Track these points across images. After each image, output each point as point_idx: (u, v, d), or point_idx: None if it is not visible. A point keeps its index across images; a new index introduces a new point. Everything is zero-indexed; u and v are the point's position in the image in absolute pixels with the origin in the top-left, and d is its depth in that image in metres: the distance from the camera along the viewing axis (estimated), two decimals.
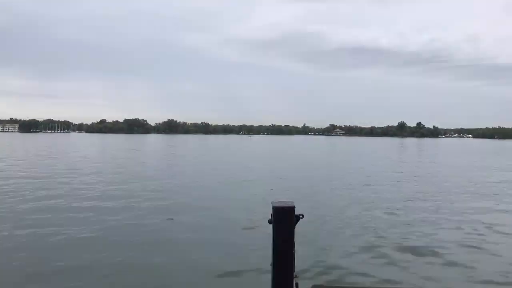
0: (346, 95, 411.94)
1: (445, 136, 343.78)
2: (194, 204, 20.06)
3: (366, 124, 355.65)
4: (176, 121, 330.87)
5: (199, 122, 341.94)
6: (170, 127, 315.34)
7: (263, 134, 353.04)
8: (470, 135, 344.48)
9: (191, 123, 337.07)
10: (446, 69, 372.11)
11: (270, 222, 2.71)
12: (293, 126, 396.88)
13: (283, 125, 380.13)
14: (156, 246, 12.56)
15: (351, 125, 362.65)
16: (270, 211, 2.68)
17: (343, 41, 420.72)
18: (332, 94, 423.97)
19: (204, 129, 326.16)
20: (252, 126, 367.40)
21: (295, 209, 2.69)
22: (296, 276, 2.74)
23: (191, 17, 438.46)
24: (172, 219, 16.38)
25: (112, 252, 11.99)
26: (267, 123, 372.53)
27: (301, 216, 2.71)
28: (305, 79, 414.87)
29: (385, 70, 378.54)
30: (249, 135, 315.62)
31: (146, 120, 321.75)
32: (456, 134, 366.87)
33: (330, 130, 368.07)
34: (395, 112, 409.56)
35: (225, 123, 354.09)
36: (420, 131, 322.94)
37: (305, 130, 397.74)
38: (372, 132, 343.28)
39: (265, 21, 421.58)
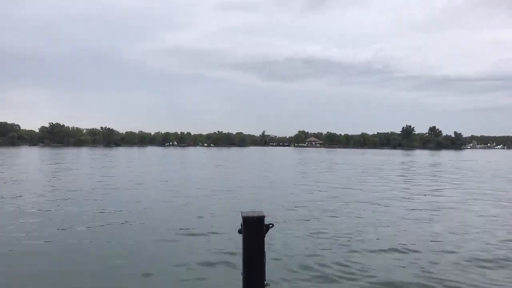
0: (302, 105, 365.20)
1: (468, 147, 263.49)
2: None
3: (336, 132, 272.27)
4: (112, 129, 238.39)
5: (136, 131, 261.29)
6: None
7: (205, 145, 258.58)
8: (500, 146, 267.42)
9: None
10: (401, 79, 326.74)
11: (240, 231, 2.77)
12: (248, 135, 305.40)
13: (234, 133, 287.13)
14: None
15: (330, 132, 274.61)
16: (240, 220, 2.73)
17: (292, 52, 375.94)
18: (287, 104, 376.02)
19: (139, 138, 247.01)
20: (189, 134, 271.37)
21: (264, 218, 2.74)
22: (267, 284, 2.81)
23: (129, 24, 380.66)
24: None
25: None
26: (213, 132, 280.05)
27: (271, 225, 2.79)
28: (256, 89, 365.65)
29: (339, 80, 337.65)
30: (178, 146, 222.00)
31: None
32: (480, 144, 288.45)
33: (301, 140, 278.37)
34: (358, 122, 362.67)
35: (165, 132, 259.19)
36: (435, 140, 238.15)
37: (265, 140, 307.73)
38: (364, 141, 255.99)
39: (206, 31, 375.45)
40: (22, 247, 13.44)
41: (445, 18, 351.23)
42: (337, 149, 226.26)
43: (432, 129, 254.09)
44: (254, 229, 2.75)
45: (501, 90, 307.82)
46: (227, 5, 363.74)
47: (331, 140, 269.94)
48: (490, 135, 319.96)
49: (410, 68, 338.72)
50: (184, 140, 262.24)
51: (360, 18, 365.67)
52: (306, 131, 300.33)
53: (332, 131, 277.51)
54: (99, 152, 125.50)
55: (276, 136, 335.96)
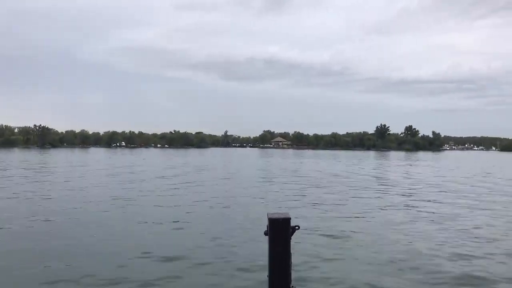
0: (265, 105, 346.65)
1: (446, 148, 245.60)
2: None
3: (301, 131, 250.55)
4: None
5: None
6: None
7: (158, 146, 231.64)
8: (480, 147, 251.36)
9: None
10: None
11: (266, 233, 2.76)
12: (209, 135, 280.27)
13: (193, 132, 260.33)
14: None
15: (298, 131, 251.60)
16: (266, 222, 2.71)
17: (252, 52, 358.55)
18: (250, 104, 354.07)
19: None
20: (141, 133, 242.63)
21: (290, 220, 2.74)
22: (293, 287, 2.78)
23: (85, 21, 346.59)
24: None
25: None
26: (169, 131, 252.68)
27: (296, 227, 2.78)
28: (217, 89, 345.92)
29: (299, 82, 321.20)
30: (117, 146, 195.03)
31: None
32: (457, 146, 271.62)
33: (267, 140, 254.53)
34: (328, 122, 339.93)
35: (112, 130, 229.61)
36: (412, 140, 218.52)
37: (227, 140, 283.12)
38: (335, 141, 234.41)
39: (164, 30, 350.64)
40: None
41: (400, 21, 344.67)
42: (306, 150, 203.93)
43: (408, 128, 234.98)
44: (280, 231, 2.72)
45: (457, 92, 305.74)
46: (186, 5, 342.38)
47: (299, 141, 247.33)
48: (457, 136, 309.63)
49: (368, 70, 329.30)
50: (133, 140, 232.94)
51: (318, 20, 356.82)
52: (272, 131, 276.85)
53: (299, 131, 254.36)
54: (26, 155, 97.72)
55: (239, 137, 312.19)
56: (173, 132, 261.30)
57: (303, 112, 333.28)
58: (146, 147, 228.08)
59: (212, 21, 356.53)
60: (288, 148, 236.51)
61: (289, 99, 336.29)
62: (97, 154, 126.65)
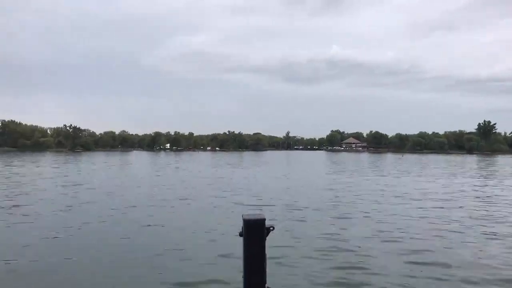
0: (329, 106, 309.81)
1: None
2: None
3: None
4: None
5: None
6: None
7: (208, 149, 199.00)
8: None
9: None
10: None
11: (241, 234, 2.77)
12: (268, 136, 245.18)
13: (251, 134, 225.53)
14: None
15: (376, 131, 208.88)
16: (241, 223, 2.77)
17: (313, 53, 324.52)
18: (311, 105, 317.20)
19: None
20: (191, 134, 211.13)
21: (265, 221, 2.75)
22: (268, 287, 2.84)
23: (143, 30, 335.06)
24: None
25: None
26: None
27: (271, 228, 2.79)
28: (276, 91, 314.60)
29: (363, 82, 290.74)
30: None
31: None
32: None
33: (336, 142, 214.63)
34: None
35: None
36: None
37: (288, 142, 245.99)
38: (425, 143, 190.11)
39: (220, 33, 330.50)
40: None
41: (466, 16, 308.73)
42: (387, 154, 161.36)
43: None
44: (255, 231, 2.72)
45: None
46: (241, 8, 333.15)
47: (378, 142, 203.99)
48: None
49: (435, 67, 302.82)
50: (179, 142, 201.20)
51: (377, 17, 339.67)
52: (341, 131, 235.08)
53: (377, 131, 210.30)
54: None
55: (303, 138, 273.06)
56: (228, 132, 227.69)
57: (370, 112, 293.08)
58: (194, 150, 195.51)
59: (268, 22, 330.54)
60: (363, 150, 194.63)
61: (353, 99, 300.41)
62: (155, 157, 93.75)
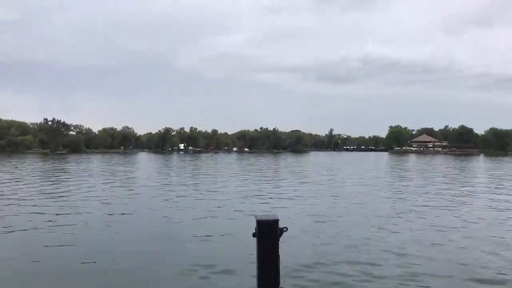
0: (369, 105, 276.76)
1: None
2: None
3: None
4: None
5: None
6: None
7: (234, 150, 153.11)
8: None
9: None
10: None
11: (254, 235, 2.82)
12: (308, 134, 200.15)
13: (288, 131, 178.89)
14: None
15: (462, 125, 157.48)
16: (254, 224, 2.78)
17: (346, 52, 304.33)
18: (350, 104, 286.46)
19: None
20: (215, 132, 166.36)
21: (279, 222, 2.78)
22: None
23: (174, 30, 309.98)
24: None
25: None
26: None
27: (284, 229, 2.81)
28: (310, 90, 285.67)
29: (400, 79, 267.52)
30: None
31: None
32: None
33: (401, 141, 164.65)
34: None
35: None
36: None
37: (334, 141, 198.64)
38: None
39: (252, 34, 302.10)
40: None
41: (501, 10, 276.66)
42: (481, 157, 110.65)
43: None
44: (268, 232, 2.77)
45: None
46: (271, 7, 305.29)
47: (465, 140, 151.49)
48: None
49: (475, 65, 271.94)
50: (195, 141, 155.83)
51: (409, 13, 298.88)
52: (405, 127, 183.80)
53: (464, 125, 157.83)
54: None
55: (350, 136, 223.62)
56: (259, 130, 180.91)
57: (415, 110, 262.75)
58: (216, 152, 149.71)
59: (300, 20, 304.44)
60: (447, 152, 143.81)
61: (392, 97, 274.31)
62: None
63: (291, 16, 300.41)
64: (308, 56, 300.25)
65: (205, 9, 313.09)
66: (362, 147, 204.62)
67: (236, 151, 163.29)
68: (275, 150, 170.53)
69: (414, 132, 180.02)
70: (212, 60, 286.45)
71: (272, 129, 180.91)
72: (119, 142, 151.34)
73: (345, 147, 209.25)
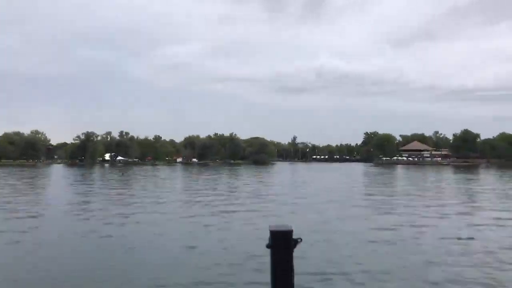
0: (329, 116, 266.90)
1: None
2: None
3: None
4: None
5: None
6: None
7: (178, 162, 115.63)
8: None
9: None
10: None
11: (268, 246, 2.78)
12: (270, 141, 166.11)
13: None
14: None
15: (466, 129, 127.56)
16: (268, 235, 2.81)
17: (299, 64, 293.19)
18: (311, 116, 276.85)
19: None
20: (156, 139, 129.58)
21: (293, 232, 2.76)
22: None
23: (129, 40, 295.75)
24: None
25: None
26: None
27: (299, 239, 2.78)
28: (264, 102, 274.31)
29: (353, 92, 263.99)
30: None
31: None
32: None
33: (383, 150, 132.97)
34: None
35: None
36: None
37: (297, 149, 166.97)
38: None
39: (206, 44, 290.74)
40: None
41: (447, 25, 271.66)
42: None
43: None
44: (282, 243, 2.74)
45: None
46: (223, 19, 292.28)
47: (469, 148, 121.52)
48: None
49: (421, 78, 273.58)
50: (126, 150, 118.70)
51: (359, 27, 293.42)
52: (396, 135, 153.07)
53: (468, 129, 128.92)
54: None
55: (318, 145, 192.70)
56: (212, 136, 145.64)
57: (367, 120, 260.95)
58: (156, 164, 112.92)
59: (254, 31, 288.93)
60: (450, 163, 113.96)
61: (347, 108, 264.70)
62: None
63: (245, 27, 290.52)
64: (264, 67, 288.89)
65: (160, 19, 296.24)
66: (336, 156, 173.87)
67: (181, 163, 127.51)
68: (232, 161, 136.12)
69: (399, 139, 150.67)
70: (166, 69, 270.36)
71: (228, 134, 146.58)
72: (22, 151, 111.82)
73: (314, 157, 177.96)
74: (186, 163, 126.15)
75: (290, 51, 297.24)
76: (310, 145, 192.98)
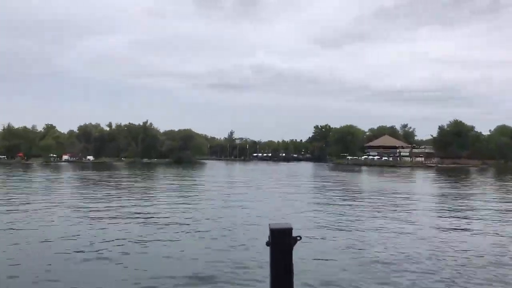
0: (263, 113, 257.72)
1: None
2: None
3: None
4: None
5: None
6: None
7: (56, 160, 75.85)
8: None
9: None
10: None
11: (267, 244, 2.77)
12: (199, 134, 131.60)
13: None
14: None
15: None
16: (268, 233, 2.82)
17: (236, 61, 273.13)
18: (250, 111, 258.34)
19: None
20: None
21: (292, 230, 2.75)
22: None
23: (54, 30, 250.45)
24: None
25: None
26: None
27: (298, 237, 2.77)
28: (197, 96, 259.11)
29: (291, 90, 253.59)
30: None
31: None
32: None
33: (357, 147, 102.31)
34: None
35: None
36: None
37: (233, 145, 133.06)
38: None
39: (136, 37, 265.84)
40: None
41: (376, 28, 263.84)
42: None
43: None
44: (282, 241, 2.74)
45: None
46: (154, 12, 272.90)
47: (462, 144, 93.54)
48: None
49: (351, 78, 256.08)
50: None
51: (292, 26, 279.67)
52: (356, 125, 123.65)
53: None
54: None
55: (259, 141, 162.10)
56: (110, 126, 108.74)
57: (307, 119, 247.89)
58: (27, 161, 75.18)
59: (187, 26, 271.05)
60: (437, 165, 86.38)
61: (284, 105, 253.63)
62: None
63: (178, 21, 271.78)
64: (199, 62, 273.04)
65: (87, 11, 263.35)
66: (281, 154, 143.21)
67: (68, 161, 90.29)
68: (146, 160, 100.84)
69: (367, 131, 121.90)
70: (93, 61, 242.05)
71: (142, 123, 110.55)
72: None
73: (255, 154, 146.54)
74: (77, 162, 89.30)
75: (226, 47, 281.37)
76: (249, 141, 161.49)
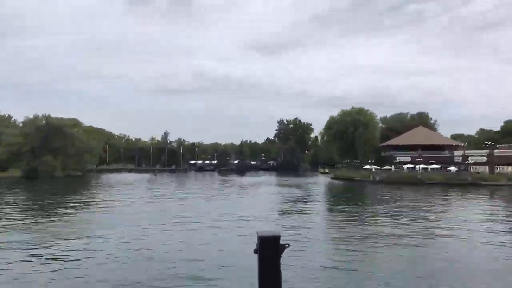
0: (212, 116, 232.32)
1: None
2: None
3: None
4: None
5: None
6: None
7: None
8: None
9: None
10: None
11: (255, 251, 2.77)
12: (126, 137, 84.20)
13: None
14: None
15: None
16: (256, 240, 2.75)
17: (176, 65, 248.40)
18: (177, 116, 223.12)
19: None
20: None
21: (280, 238, 2.77)
22: None
23: None
24: None
25: None
26: None
27: (287, 245, 2.78)
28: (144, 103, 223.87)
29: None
30: None
31: None
32: None
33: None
34: None
35: None
36: None
37: (172, 148, 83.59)
38: None
39: (71, 39, 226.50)
40: None
41: (309, 35, 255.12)
42: None
43: None
44: (270, 249, 2.73)
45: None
46: (88, 14, 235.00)
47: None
48: None
49: (293, 84, 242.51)
50: None
51: (227, 31, 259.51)
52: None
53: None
54: None
55: (201, 142, 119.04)
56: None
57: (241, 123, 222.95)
58: None
59: (121, 29, 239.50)
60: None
61: (225, 110, 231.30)
62: None
63: (112, 24, 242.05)
64: (134, 65, 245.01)
65: (14, 11, 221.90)
66: (237, 161, 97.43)
67: None
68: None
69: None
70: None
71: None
72: None
73: (192, 162, 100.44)
74: None
75: (161, 50, 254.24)
76: (186, 141, 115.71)
